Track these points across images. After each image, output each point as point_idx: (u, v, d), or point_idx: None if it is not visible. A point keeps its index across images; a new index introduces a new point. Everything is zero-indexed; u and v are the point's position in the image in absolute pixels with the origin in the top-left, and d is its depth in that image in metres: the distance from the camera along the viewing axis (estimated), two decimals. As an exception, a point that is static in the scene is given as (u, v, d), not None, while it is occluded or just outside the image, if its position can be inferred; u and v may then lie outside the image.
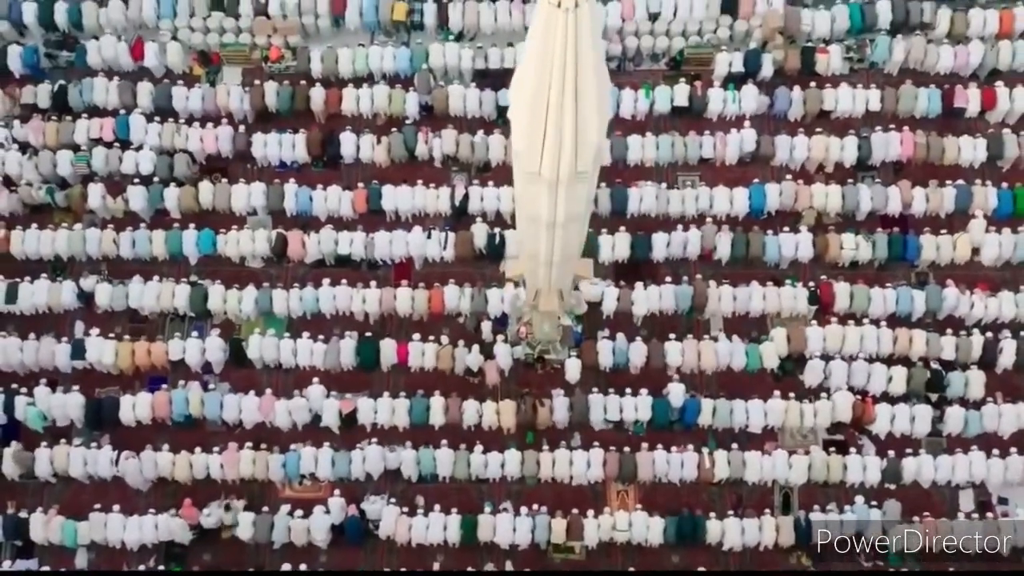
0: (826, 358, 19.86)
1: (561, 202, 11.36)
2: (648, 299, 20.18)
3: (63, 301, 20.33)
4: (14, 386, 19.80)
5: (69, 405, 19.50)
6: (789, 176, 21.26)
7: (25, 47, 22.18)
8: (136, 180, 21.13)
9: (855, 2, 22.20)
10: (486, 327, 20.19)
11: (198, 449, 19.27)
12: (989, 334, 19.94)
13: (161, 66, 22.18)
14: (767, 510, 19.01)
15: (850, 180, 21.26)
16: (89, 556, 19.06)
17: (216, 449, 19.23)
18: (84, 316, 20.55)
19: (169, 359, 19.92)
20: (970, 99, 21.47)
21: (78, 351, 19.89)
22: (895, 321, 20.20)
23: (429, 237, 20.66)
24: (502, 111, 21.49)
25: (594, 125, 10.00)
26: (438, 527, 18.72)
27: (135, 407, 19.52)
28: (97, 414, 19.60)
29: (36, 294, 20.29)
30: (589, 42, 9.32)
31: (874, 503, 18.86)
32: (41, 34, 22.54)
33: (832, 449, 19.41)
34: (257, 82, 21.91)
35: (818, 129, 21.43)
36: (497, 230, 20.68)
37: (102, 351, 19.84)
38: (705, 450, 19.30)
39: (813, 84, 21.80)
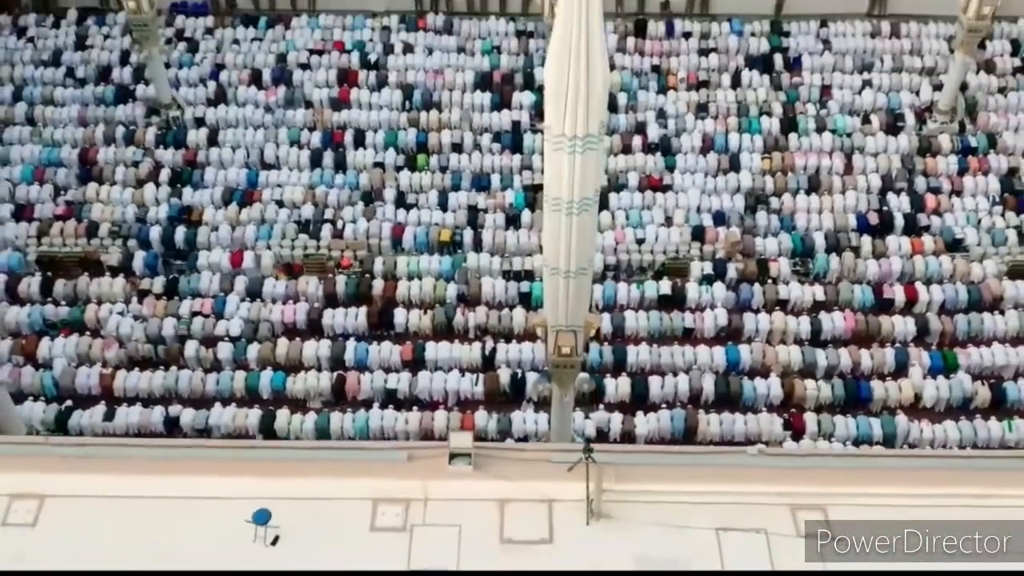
0: (803, 467, 23.16)
1: (577, 172, 16.45)
2: (648, 422, 23.99)
3: (152, 421, 24.08)
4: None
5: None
6: (758, 340, 26.14)
7: (148, 253, 28.29)
8: (226, 339, 25.97)
9: (796, 233, 28.79)
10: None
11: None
12: (941, 449, 23.48)
13: (254, 271, 28.07)
14: None
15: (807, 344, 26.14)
16: None
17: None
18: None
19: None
20: (896, 293, 27.05)
21: (159, 455, 23.23)
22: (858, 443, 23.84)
23: (463, 376, 24.99)
24: (523, 296, 27.04)
25: (599, 76, 15.54)
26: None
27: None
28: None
29: (130, 415, 24.15)
30: (597, 19, 15.23)
31: None
32: (161, 250, 28.75)
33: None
34: (330, 276, 27.71)
35: (777, 308, 26.78)
36: (519, 370, 25.07)
37: (180, 455, 23.20)
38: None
39: (770, 281, 27.53)
